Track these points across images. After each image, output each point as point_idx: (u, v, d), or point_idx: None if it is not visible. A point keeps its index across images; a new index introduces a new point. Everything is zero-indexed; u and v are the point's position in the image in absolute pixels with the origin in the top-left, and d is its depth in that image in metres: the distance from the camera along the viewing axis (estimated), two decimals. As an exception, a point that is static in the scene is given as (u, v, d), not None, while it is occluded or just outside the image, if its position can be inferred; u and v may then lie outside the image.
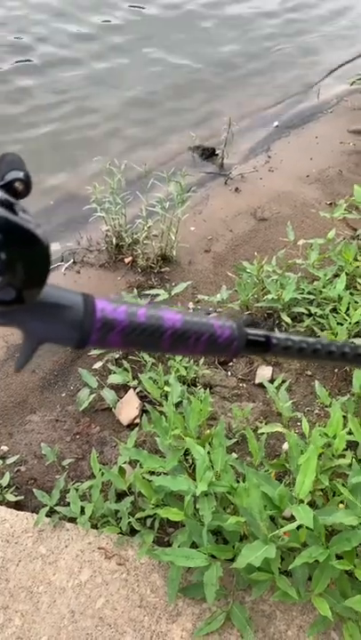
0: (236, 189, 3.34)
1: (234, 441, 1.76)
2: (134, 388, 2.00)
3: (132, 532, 1.53)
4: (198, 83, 4.51)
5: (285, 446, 1.77)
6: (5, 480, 1.73)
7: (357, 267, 2.20)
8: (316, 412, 1.93)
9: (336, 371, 2.03)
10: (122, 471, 1.54)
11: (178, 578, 1.34)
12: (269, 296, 2.16)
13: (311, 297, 2.17)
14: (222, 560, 1.32)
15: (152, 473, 1.51)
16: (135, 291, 2.38)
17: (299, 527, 1.20)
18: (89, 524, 1.53)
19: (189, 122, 4.02)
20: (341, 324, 1.95)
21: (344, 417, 1.51)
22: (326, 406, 1.87)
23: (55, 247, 2.96)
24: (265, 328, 2.23)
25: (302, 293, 2.18)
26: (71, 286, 2.62)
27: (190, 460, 1.62)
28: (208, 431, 1.58)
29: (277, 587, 1.22)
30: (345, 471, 1.43)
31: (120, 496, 1.60)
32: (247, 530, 1.35)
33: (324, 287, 2.15)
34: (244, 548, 1.17)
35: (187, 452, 1.58)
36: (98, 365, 2.11)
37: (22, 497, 1.71)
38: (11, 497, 1.69)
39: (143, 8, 5.51)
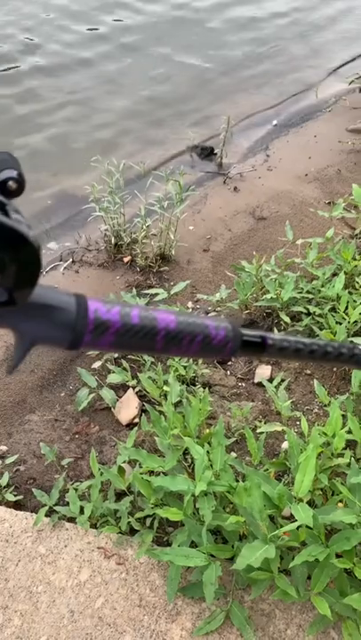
0: (235, 188, 3.34)
1: (233, 440, 1.76)
2: (133, 388, 2.00)
3: (132, 531, 1.53)
4: (197, 82, 4.51)
5: (285, 445, 1.77)
6: (4, 480, 1.73)
7: (356, 266, 2.21)
8: (316, 411, 1.93)
9: (335, 370, 2.03)
10: (121, 471, 1.54)
11: (177, 577, 1.34)
12: (268, 295, 2.16)
13: (310, 296, 2.17)
14: (222, 559, 1.32)
15: (151, 472, 1.51)
16: (134, 290, 2.38)
17: (298, 527, 1.20)
18: (88, 523, 1.53)
19: (188, 121, 4.02)
20: (340, 323, 1.95)
21: (343, 416, 1.51)
22: (325, 405, 1.87)
23: (54, 247, 2.96)
24: (264, 327, 2.23)
25: (301, 292, 2.19)
26: (70, 286, 2.62)
27: (189, 460, 1.62)
28: (207, 430, 1.58)
29: (277, 586, 1.23)
30: (344, 470, 1.43)
31: (119, 496, 1.60)
32: (246, 529, 1.35)
33: (322, 286, 2.15)
34: (244, 549, 1.17)
35: (186, 452, 1.58)
36: (97, 365, 2.11)
37: (21, 497, 1.71)
38: (10, 497, 1.68)
39: (140, 12, 5.51)
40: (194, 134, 3.33)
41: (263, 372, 2.07)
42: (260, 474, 1.35)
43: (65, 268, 2.76)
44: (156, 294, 2.23)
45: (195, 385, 1.98)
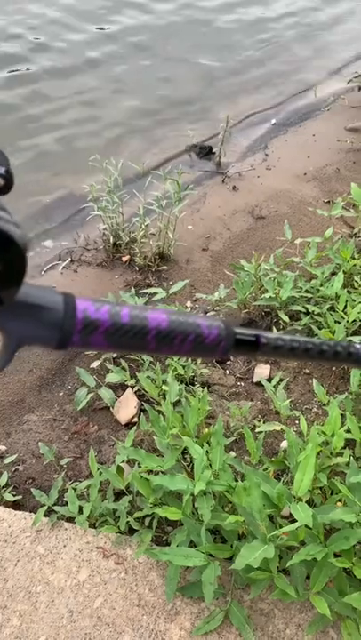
0: (234, 187, 3.34)
1: (232, 439, 1.76)
2: (132, 387, 1.99)
3: (131, 531, 1.52)
4: (195, 81, 4.50)
5: (284, 444, 1.77)
6: (3, 480, 1.72)
7: (355, 265, 2.20)
8: (314, 410, 1.93)
9: (334, 369, 2.03)
10: (120, 470, 1.54)
11: (176, 577, 1.34)
12: (267, 294, 2.16)
13: (309, 295, 2.17)
14: (220, 559, 1.32)
15: (150, 472, 1.51)
16: (133, 289, 2.38)
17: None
18: (87, 523, 1.52)
19: (187, 120, 4.01)
20: (339, 323, 1.95)
21: (342, 415, 1.51)
22: (324, 404, 1.87)
23: (52, 246, 2.95)
24: (263, 326, 2.23)
25: (300, 292, 2.18)
26: (68, 285, 2.62)
27: (188, 459, 1.62)
28: (206, 430, 1.58)
29: (276, 585, 1.22)
30: (343, 469, 1.43)
31: (118, 495, 1.60)
32: (246, 529, 1.35)
33: (321, 285, 2.15)
34: (243, 548, 1.17)
35: (185, 451, 1.58)
36: (96, 364, 2.11)
37: (20, 496, 1.71)
38: (9, 496, 1.68)
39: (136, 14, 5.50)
40: (193, 133, 3.32)
41: (262, 371, 2.06)
42: (259, 473, 1.34)
43: (63, 267, 2.75)
44: (155, 293, 2.22)
45: (194, 384, 1.98)
